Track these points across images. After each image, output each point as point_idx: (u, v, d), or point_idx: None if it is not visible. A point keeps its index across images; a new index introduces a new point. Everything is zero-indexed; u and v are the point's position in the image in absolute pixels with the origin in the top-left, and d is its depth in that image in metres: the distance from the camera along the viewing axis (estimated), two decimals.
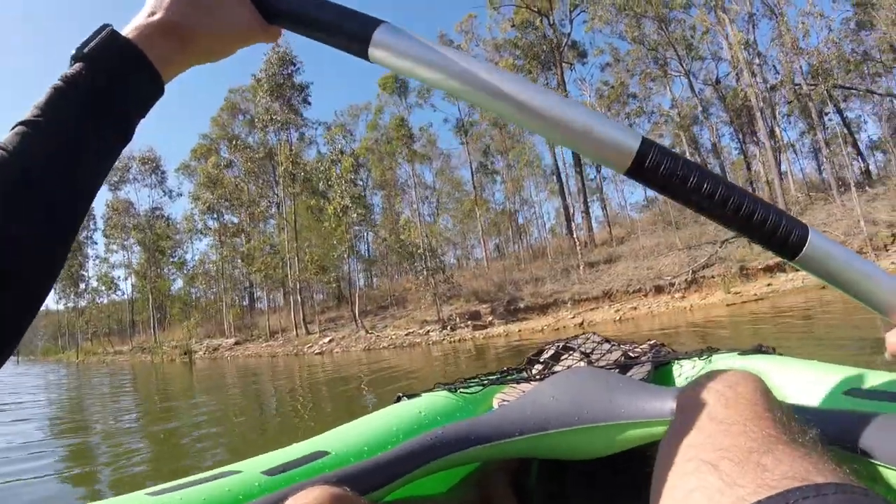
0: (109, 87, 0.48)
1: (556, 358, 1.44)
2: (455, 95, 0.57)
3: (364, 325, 25.37)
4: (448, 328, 21.89)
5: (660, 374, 1.27)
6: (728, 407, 0.47)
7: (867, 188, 19.12)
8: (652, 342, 1.46)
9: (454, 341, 19.50)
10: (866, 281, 0.55)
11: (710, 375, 0.54)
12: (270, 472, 0.73)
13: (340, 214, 27.67)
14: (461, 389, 1.23)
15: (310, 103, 34.94)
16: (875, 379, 0.76)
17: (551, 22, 31.64)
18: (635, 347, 1.41)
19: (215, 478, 0.70)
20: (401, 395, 1.22)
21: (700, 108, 27.57)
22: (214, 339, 32.54)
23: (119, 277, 46.08)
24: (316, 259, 29.62)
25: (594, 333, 1.54)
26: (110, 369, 27.84)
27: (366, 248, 42.95)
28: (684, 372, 1.20)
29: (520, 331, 19.70)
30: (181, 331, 36.18)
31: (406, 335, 22.18)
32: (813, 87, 22.98)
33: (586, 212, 30.10)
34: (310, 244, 31.97)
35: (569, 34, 32.84)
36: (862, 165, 21.35)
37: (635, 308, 19.15)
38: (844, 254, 0.56)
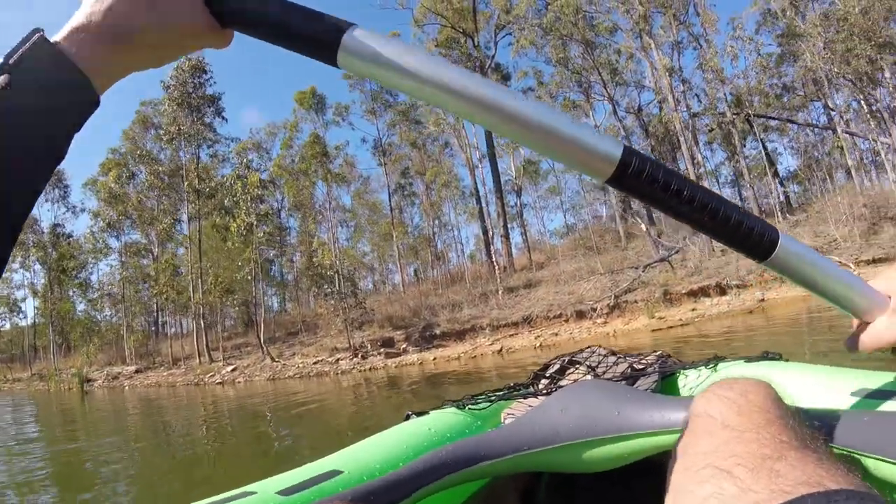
0: (37, 103, 0.41)
1: (561, 372, 1.46)
2: (433, 103, 0.54)
3: (270, 353, 23.94)
4: (359, 356, 20.87)
5: (666, 384, 1.25)
6: (741, 414, 0.48)
7: (787, 215, 18.80)
8: (658, 353, 1.44)
9: (365, 370, 18.56)
10: (835, 282, 0.58)
11: (722, 384, 0.55)
12: (286, 493, 0.74)
13: (245, 233, 25.99)
14: (469, 406, 1.26)
15: (225, 118, 32.84)
16: (882, 380, 0.77)
17: (476, 43, 30.85)
18: (641, 359, 1.39)
19: (231, 499, 0.71)
20: (410, 412, 1.24)
21: (623, 135, 27.20)
22: (115, 367, 31.02)
23: (20, 299, 42.59)
24: (221, 281, 27.77)
25: (599, 346, 1.54)
26: None
27: (279, 272, 40.99)
28: (691, 382, 1.20)
29: (434, 359, 18.53)
30: (82, 357, 33.84)
31: (315, 363, 21.10)
32: (736, 115, 22.92)
33: (506, 236, 29.12)
34: (214, 265, 29.72)
35: (493, 56, 32.27)
36: (782, 194, 21.19)
37: (556, 334, 18.19)
38: (814, 256, 0.58)
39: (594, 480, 0.94)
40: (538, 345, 17.16)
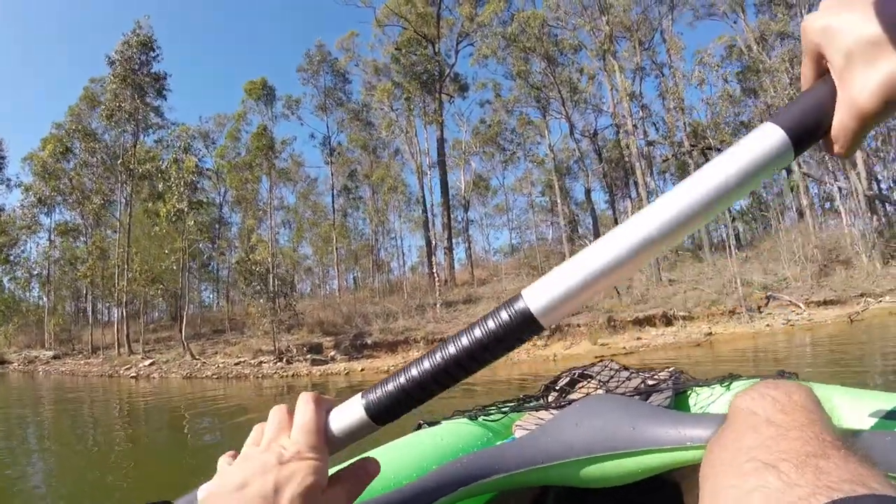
0: None
1: (571, 385, 1.43)
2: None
3: (191, 350, 22.34)
4: (284, 361, 19.70)
5: (679, 400, 1.23)
6: (785, 412, 0.48)
7: (735, 251, 18.47)
8: (671, 369, 1.41)
9: (287, 376, 17.60)
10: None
11: (767, 383, 0.54)
12: None
13: (174, 219, 24.38)
14: (482, 417, 1.25)
15: (164, 97, 30.51)
16: None
17: (436, 50, 29.83)
18: (654, 374, 1.37)
19: None
20: (421, 422, 1.25)
21: (578, 154, 26.65)
22: (34, 350, 29.90)
23: None
24: (146, 269, 25.85)
25: (612, 360, 1.51)
26: None
27: (216, 266, 38.58)
28: (704, 399, 1.18)
29: (363, 369, 17.57)
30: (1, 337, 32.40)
31: (236, 364, 20.05)
32: (694, 147, 22.64)
33: (449, 248, 28.02)
34: (143, 252, 27.53)
35: (452, 65, 31.34)
36: (732, 229, 20.88)
37: None
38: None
39: (603, 495, 0.93)
40: None
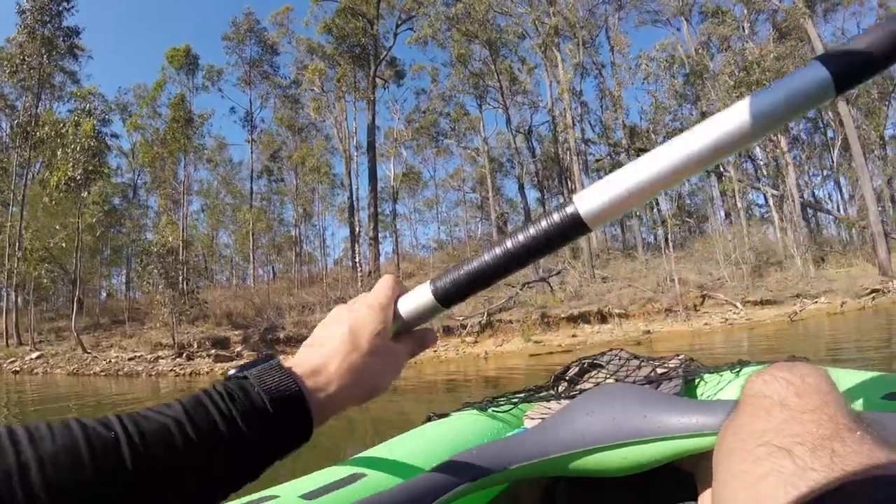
0: (263, 437, 0.42)
1: (581, 375, 1.43)
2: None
3: (82, 342, 19.72)
4: (184, 356, 17.76)
5: (689, 388, 1.24)
6: (799, 395, 0.48)
7: (668, 252, 18.22)
8: (681, 357, 1.41)
9: (185, 374, 15.83)
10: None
11: (780, 366, 0.54)
12: (309, 497, 0.74)
13: (64, 189, 21.28)
14: (491, 408, 1.24)
15: (76, 56, 27.34)
16: None
17: (374, 30, 28.24)
18: (664, 362, 1.36)
19: (253, 503, 0.71)
20: (431, 414, 1.24)
21: (513, 147, 25.91)
22: None
23: None
24: (38, 247, 22.47)
25: (622, 350, 1.50)
26: None
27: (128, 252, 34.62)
28: (714, 385, 1.18)
29: None
30: None
31: (130, 360, 18.03)
32: (629, 147, 22.40)
33: (375, 238, 26.53)
34: (32, 228, 23.79)
35: (390, 48, 29.81)
36: (669, 227, 20.76)
37: None
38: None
39: (614, 484, 0.92)
40: None
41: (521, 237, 0.53)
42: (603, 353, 1.50)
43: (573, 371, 1.45)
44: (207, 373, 15.72)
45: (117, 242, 30.99)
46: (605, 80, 25.44)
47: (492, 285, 0.56)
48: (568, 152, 22.82)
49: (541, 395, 1.34)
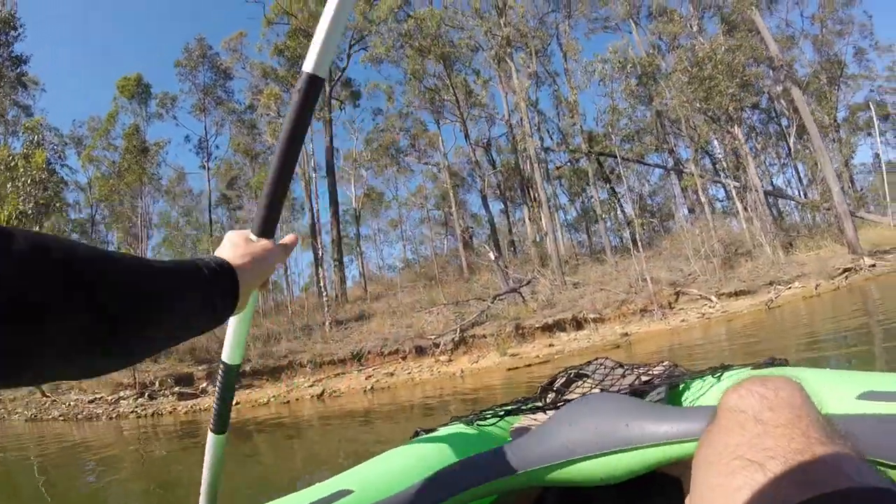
0: (222, 299, 0.62)
1: (568, 385, 1.44)
2: None
3: (41, 386, 18.16)
4: (146, 396, 16.93)
5: (674, 394, 1.23)
6: (773, 410, 0.49)
7: (636, 252, 18.04)
8: (666, 363, 1.42)
9: (147, 415, 15.03)
10: None
11: (754, 380, 0.56)
12: None
13: (14, 224, 19.67)
14: (478, 422, 1.25)
15: (24, 85, 26.34)
16: (890, 381, 0.78)
17: None
18: (649, 370, 1.37)
19: None
20: (419, 430, 1.25)
21: (473, 160, 25.64)
22: None
23: None
24: None
25: (607, 358, 1.52)
26: None
27: None
28: (698, 391, 1.18)
29: (237, 403, 14.72)
30: None
31: (90, 403, 17.14)
32: (590, 152, 22.29)
33: (340, 261, 25.81)
34: None
35: (344, 69, 29.40)
36: (637, 227, 20.64)
37: (392, 374, 15.36)
38: None
39: (605, 494, 0.93)
40: (369, 388, 14.32)
41: (281, 136, 0.66)
42: (589, 363, 1.50)
43: (560, 382, 1.45)
44: (171, 412, 14.95)
45: None
46: (559, 87, 25.46)
47: (291, 174, 0.71)
48: (528, 161, 22.60)
49: (527, 407, 1.33)
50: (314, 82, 0.66)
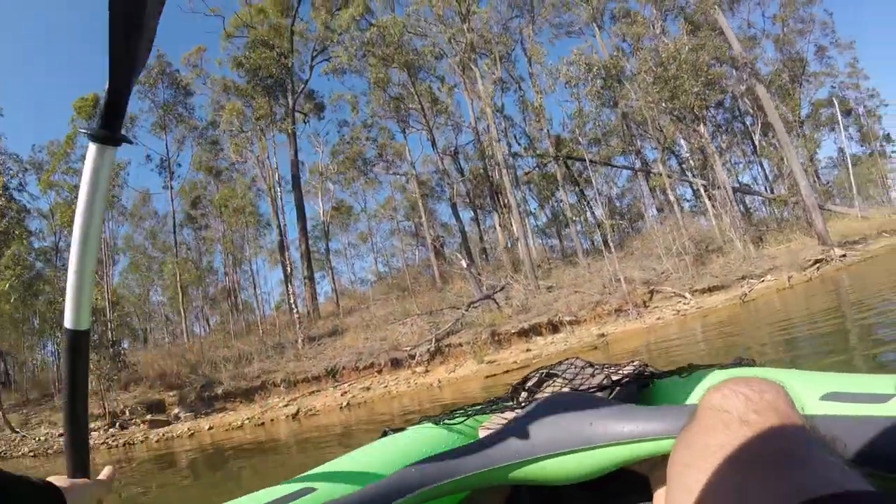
0: None
1: (539, 385, 1.43)
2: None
3: (9, 421, 17.84)
4: (117, 425, 16.57)
5: (643, 394, 1.24)
6: (758, 412, 0.48)
7: (607, 253, 18.06)
8: (636, 363, 1.40)
9: (119, 445, 14.64)
10: None
11: (738, 381, 0.55)
12: None
13: None
14: (446, 421, 1.25)
15: None
16: (852, 382, 0.81)
17: (289, 64, 27.36)
18: (619, 369, 1.36)
19: None
20: (387, 429, 1.24)
21: (441, 168, 25.44)
22: None
23: None
24: None
25: (577, 358, 1.51)
26: None
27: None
28: (665, 390, 1.19)
29: (210, 428, 14.64)
30: None
31: (60, 436, 16.08)
32: (558, 156, 22.28)
33: (310, 277, 25.26)
34: None
35: (307, 81, 29.00)
36: (607, 229, 20.67)
37: (368, 388, 15.06)
38: None
39: (575, 492, 0.93)
40: (345, 404, 13.97)
41: (63, 391, 0.74)
42: (560, 363, 1.49)
43: (531, 382, 1.44)
44: (143, 441, 14.57)
45: (45, 309, 28.82)
46: (525, 92, 25.46)
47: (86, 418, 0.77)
48: (496, 167, 22.47)
49: (497, 406, 1.33)
50: (78, 337, 0.68)
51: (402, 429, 1.23)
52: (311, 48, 28.80)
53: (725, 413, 0.48)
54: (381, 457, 0.98)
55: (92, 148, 0.70)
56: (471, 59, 22.21)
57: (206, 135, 30.21)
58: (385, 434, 1.21)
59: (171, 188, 29.62)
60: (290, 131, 25.85)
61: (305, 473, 0.91)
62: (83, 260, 0.72)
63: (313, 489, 0.81)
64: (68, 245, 21.55)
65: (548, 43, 28.56)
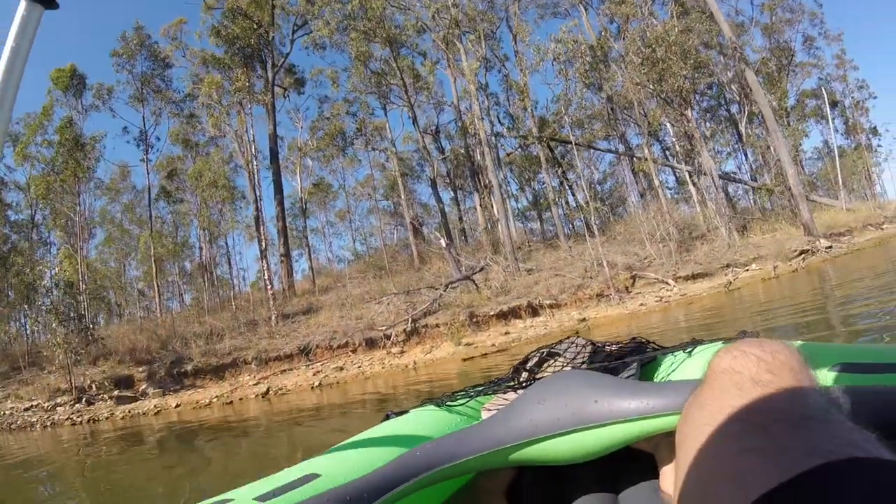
0: None
1: (540, 364, 1.43)
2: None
3: None
4: (83, 401, 15.98)
5: (646, 371, 1.23)
6: (772, 372, 0.47)
7: (591, 237, 17.81)
8: (637, 339, 1.43)
9: (83, 422, 14.05)
10: None
11: (750, 342, 0.53)
12: (263, 498, 0.74)
13: None
14: (448, 402, 1.24)
15: None
16: (862, 353, 0.80)
17: (270, 38, 26.45)
18: (621, 347, 1.39)
19: None
20: (389, 412, 1.23)
21: (422, 145, 24.93)
22: None
23: None
24: None
25: (578, 336, 1.49)
26: None
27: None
28: (669, 367, 1.17)
29: (178, 406, 14.17)
30: None
31: (25, 411, 16.11)
32: (541, 137, 21.92)
33: (286, 254, 24.69)
34: None
35: (287, 54, 28.09)
36: (592, 212, 20.40)
37: (341, 368, 14.68)
38: None
39: (580, 472, 0.93)
40: (317, 384, 13.53)
41: None
42: (561, 342, 1.48)
43: (532, 362, 1.43)
44: (108, 418, 14.07)
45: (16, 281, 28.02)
46: (509, 72, 25.03)
47: None
48: (479, 146, 22.04)
49: (499, 386, 1.34)
50: None
51: (405, 411, 1.21)
52: (291, 21, 27.95)
53: (737, 374, 0.47)
54: (384, 440, 0.97)
55: (22, 4, 0.68)
56: (455, 36, 21.65)
57: (184, 107, 29.30)
58: (388, 417, 1.20)
59: (148, 161, 28.66)
60: (268, 104, 25.07)
61: (309, 459, 0.88)
62: None
63: (317, 475, 0.78)
64: (44, 218, 20.92)
65: (533, 23, 28.13)
